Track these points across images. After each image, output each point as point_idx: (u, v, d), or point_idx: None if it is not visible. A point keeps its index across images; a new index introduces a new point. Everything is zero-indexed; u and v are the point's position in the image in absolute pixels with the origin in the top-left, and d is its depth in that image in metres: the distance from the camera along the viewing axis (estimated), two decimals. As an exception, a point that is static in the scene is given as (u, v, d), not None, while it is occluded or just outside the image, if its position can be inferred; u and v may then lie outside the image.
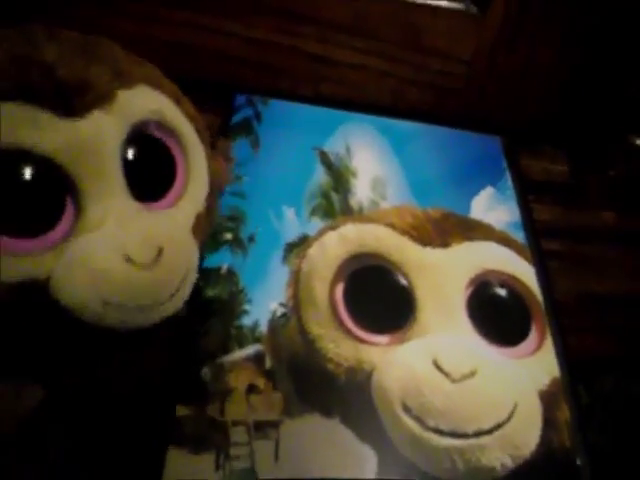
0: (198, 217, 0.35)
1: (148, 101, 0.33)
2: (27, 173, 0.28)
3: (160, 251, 0.30)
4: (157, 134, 0.33)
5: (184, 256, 0.32)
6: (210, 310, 0.39)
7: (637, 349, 0.55)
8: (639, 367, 0.55)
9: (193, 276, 0.33)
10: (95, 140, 0.29)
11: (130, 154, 0.32)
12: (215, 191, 0.39)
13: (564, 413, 0.39)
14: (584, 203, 0.57)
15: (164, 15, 0.52)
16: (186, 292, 0.33)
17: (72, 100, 0.29)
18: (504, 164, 0.52)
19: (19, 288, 0.28)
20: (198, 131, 0.36)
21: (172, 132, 0.34)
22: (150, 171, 0.33)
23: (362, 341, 0.39)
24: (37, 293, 0.29)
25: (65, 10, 0.51)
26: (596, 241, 0.57)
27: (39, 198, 0.29)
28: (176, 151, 0.34)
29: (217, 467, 0.33)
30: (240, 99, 0.51)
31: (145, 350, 0.35)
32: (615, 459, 0.44)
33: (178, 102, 0.35)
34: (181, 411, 0.35)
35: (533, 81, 0.56)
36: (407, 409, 0.37)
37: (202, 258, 0.41)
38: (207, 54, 0.53)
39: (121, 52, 0.34)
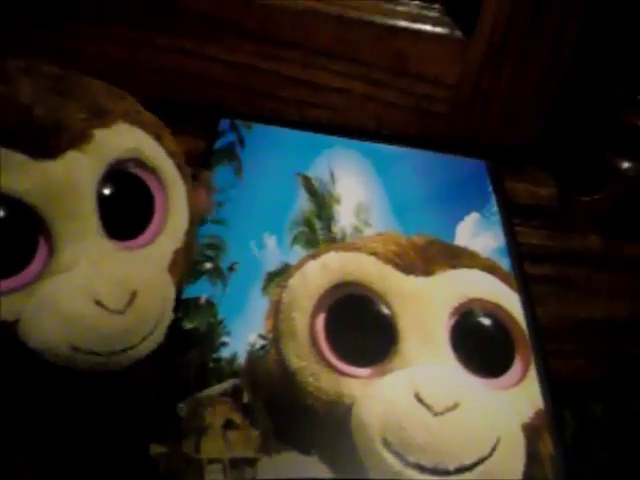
0: (176, 253, 0.35)
1: (126, 139, 0.32)
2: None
3: (133, 294, 0.30)
4: (135, 171, 0.33)
5: (158, 298, 0.32)
6: (188, 342, 0.38)
7: (623, 374, 0.55)
8: (626, 393, 0.55)
9: (168, 318, 0.33)
10: (68, 181, 0.29)
11: (106, 192, 0.31)
12: (195, 226, 0.38)
13: (547, 447, 0.39)
14: (570, 227, 0.57)
15: (146, 39, 0.51)
16: (160, 334, 0.33)
17: (47, 141, 0.29)
18: (489, 188, 0.52)
19: None
20: (179, 167, 0.36)
21: (151, 169, 0.34)
22: (127, 209, 0.33)
23: (343, 374, 0.39)
24: (5, 334, 0.28)
25: (49, 35, 0.51)
26: (582, 265, 0.57)
27: (10, 240, 0.28)
28: (155, 188, 0.34)
29: (192, 508, 0.32)
30: (224, 124, 0.51)
31: (118, 387, 0.35)
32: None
33: (158, 138, 0.35)
34: (155, 449, 0.34)
35: (519, 104, 0.56)
36: (387, 444, 0.36)
37: (181, 291, 0.40)
38: (190, 78, 0.53)
39: (101, 87, 0.34)
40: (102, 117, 0.32)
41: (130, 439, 0.34)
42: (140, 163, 0.33)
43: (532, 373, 0.42)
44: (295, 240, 0.45)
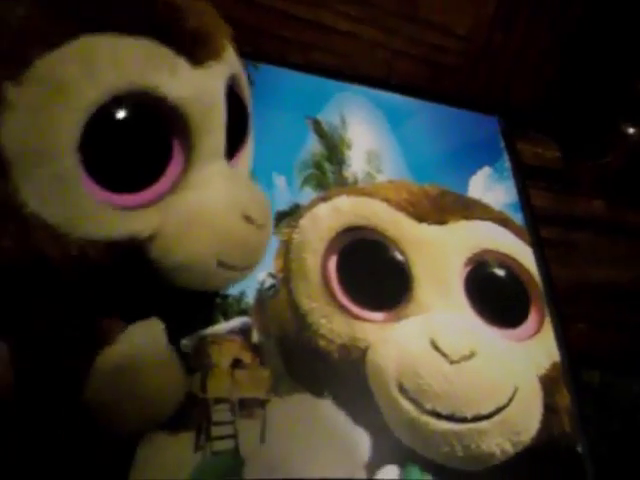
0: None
1: (235, 57, 0.32)
2: (145, 118, 0.26)
3: (267, 209, 0.31)
4: (236, 90, 0.32)
5: (270, 212, 0.32)
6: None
7: (624, 340, 0.55)
8: (623, 360, 0.54)
9: None
10: (217, 93, 0.28)
11: (227, 111, 0.30)
12: None
13: (564, 398, 0.37)
14: (575, 191, 0.56)
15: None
16: None
17: (201, 46, 0.27)
18: (501, 144, 0.51)
19: (116, 248, 0.26)
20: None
21: (242, 88, 0.33)
22: (235, 128, 0.31)
23: (356, 317, 0.37)
24: (133, 253, 0.26)
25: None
26: (586, 230, 0.56)
27: (149, 146, 0.26)
28: (248, 105, 0.34)
29: (197, 448, 0.30)
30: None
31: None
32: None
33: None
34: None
35: (528, 62, 0.55)
36: (403, 390, 0.34)
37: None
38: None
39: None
40: (226, 30, 0.31)
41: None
42: (237, 82, 0.32)
43: (547, 327, 0.40)
44: (305, 181, 0.43)
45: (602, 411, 0.54)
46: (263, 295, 0.36)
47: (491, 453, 0.34)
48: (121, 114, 0.24)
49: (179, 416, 0.30)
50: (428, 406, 0.34)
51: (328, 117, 0.47)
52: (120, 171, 0.25)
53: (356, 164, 0.45)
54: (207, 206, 0.27)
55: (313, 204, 0.41)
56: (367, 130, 0.48)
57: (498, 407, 0.35)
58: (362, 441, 0.33)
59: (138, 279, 0.27)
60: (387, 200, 0.43)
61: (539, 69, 0.56)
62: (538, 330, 0.40)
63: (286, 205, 0.41)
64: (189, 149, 0.27)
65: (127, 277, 0.27)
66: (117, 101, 0.24)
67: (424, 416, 0.34)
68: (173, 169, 0.27)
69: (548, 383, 0.37)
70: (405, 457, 0.33)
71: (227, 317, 0.34)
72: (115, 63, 0.24)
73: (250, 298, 0.36)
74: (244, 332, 0.34)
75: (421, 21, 0.51)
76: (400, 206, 0.43)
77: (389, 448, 0.33)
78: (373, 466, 0.32)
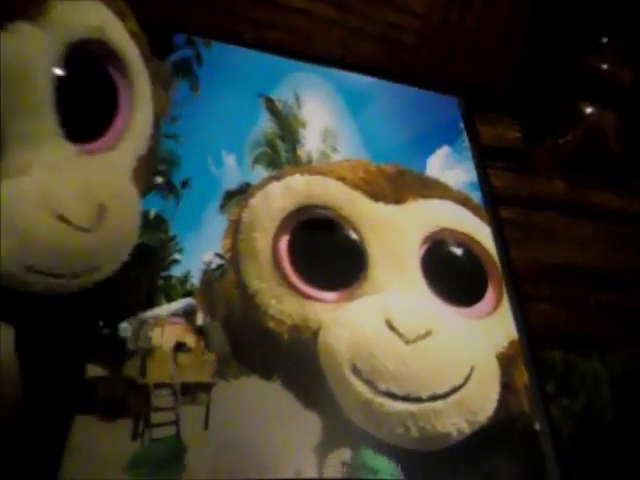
0: (139, 160, 0.30)
1: (89, 15, 0.26)
2: None
3: (102, 208, 0.25)
4: (98, 58, 0.28)
5: (131, 215, 0.28)
6: (134, 258, 0.33)
7: (585, 319, 0.55)
8: (584, 339, 0.54)
9: (136, 235, 0.29)
10: (19, 62, 0.23)
11: (64, 82, 0.25)
12: (157, 129, 0.34)
13: (522, 377, 0.37)
14: (535, 171, 0.56)
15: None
16: (127, 252, 0.29)
17: None
18: (461, 124, 0.50)
19: None
20: (144, 57, 0.31)
21: (116, 56, 0.28)
22: (89, 105, 0.28)
23: (308, 297, 0.35)
24: None
25: None
26: (545, 210, 0.56)
27: None
28: (119, 80, 0.28)
29: (134, 436, 0.28)
30: (179, 38, 0.46)
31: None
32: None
33: (122, 16, 0.29)
34: (92, 371, 0.29)
35: (486, 41, 0.54)
36: (357, 371, 0.33)
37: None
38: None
39: None
40: None
41: (65, 361, 0.29)
42: (104, 47, 0.27)
43: (505, 305, 0.40)
44: (256, 160, 0.41)
45: (565, 391, 0.54)
46: (209, 276, 0.34)
47: (447, 433, 0.33)
48: None
49: (115, 402, 0.29)
50: (383, 387, 0.33)
51: (282, 95, 0.46)
52: None
53: (311, 143, 0.44)
54: (10, 202, 0.23)
55: (265, 183, 0.40)
56: (323, 109, 0.46)
57: (454, 386, 0.34)
58: (312, 424, 0.31)
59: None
60: (342, 179, 0.41)
61: (498, 48, 0.56)
62: (495, 308, 0.39)
63: (236, 184, 0.39)
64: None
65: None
66: None
67: (378, 397, 0.33)
68: None
69: (506, 362, 0.37)
70: (358, 439, 0.31)
71: (170, 299, 0.33)
72: None
73: (195, 279, 0.34)
74: (188, 314, 0.32)
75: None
76: (356, 185, 0.41)
77: (341, 431, 0.32)
78: (324, 450, 0.31)
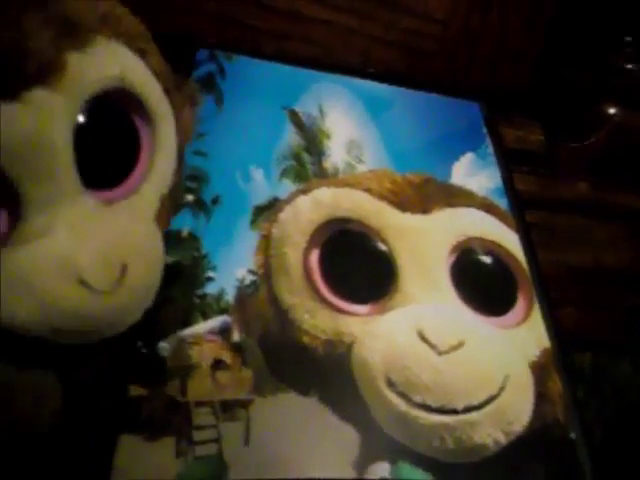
0: (164, 200, 0.29)
1: (107, 64, 0.25)
2: None
3: (124, 268, 0.25)
4: (119, 104, 0.27)
5: (152, 266, 0.27)
6: (170, 277, 0.34)
7: (612, 321, 0.54)
8: (613, 342, 0.54)
9: (158, 282, 0.29)
10: (39, 133, 0.22)
11: (85, 135, 0.24)
12: (182, 160, 0.33)
13: (556, 385, 0.37)
14: (558, 173, 0.56)
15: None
16: (150, 301, 0.28)
17: (6, 75, 0.21)
18: (484, 130, 0.50)
19: None
20: (167, 92, 0.30)
21: (136, 98, 0.27)
22: (110, 153, 0.27)
23: (340, 311, 0.36)
24: None
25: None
26: (570, 212, 0.55)
27: None
28: (141, 123, 0.28)
29: (178, 454, 0.28)
30: (202, 54, 0.46)
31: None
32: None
33: (143, 54, 0.28)
34: (135, 391, 0.30)
35: (507, 45, 0.54)
36: (391, 384, 0.33)
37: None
38: (166, 7, 0.48)
39: None
40: (77, 33, 0.24)
41: (106, 383, 0.29)
42: (124, 93, 0.27)
43: (536, 313, 0.40)
44: (284, 174, 0.41)
45: (594, 394, 0.54)
46: (243, 292, 0.35)
47: (483, 444, 0.33)
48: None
49: (158, 422, 0.29)
50: (417, 399, 0.33)
51: (305, 107, 0.46)
52: None
53: (336, 155, 0.44)
54: (34, 267, 0.23)
55: (293, 197, 0.40)
56: (346, 120, 0.47)
57: (489, 397, 0.34)
58: (350, 438, 0.32)
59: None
60: (369, 190, 0.42)
61: (519, 51, 0.55)
62: (526, 317, 0.39)
63: (264, 199, 0.39)
64: (18, 199, 0.23)
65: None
66: None
67: (414, 410, 0.33)
68: (1, 221, 0.23)
69: (539, 370, 0.37)
70: (395, 453, 0.32)
71: (206, 317, 0.33)
72: None
73: (230, 296, 0.35)
74: (224, 332, 0.33)
75: (397, 7, 0.50)
76: (382, 196, 0.41)
77: (378, 444, 0.32)
78: (362, 464, 0.31)
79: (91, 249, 0.24)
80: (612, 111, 0.56)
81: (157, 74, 0.29)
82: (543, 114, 0.57)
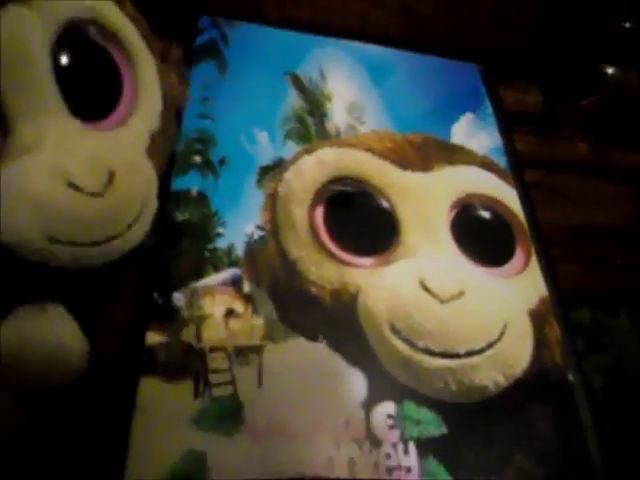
0: (153, 136, 0.31)
1: None
2: None
3: (111, 175, 0.26)
4: (95, 38, 0.28)
5: (140, 180, 0.28)
6: (181, 234, 0.35)
7: (611, 278, 0.56)
8: (611, 297, 0.55)
9: (153, 204, 0.30)
10: (16, 41, 0.24)
11: (63, 61, 0.26)
12: (170, 108, 0.35)
13: (554, 331, 0.38)
14: (558, 134, 0.56)
15: None
16: (146, 222, 0.29)
17: None
18: (483, 91, 0.51)
19: None
20: (146, 38, 0.32)
21: (114, 36, 0.29)
22: (91, 83, 0.28)
23: (345, 263, 0.37)
24: None
25: None
26: (569, 172, 0.56)
27: None
28: (120, 59, 0.29)
29: (196, 395, 0.30)
30: (204, 21, 0.47)
31: (108, 287, 0.32)
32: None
33: (119, 2, 0.30)
34: (153, 338, 0.31)
35: (504, 8, 0.55)
36: (396, 331, 0.35)
37: (168, 182, 0.37)
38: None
39: None
40: None
41: (126, 329, 0.31)
42: (100, 28, 0.28)
43: (533, 263, 0.41)
44: (288, 135, 0.42)
45: (593, 347, 0.55)
46: (252, 246, 0.36)
47: (484, 386, 0.34)
48: None
49: (176, 365, 0.31)
50: (421, 344, 0.35)
51: (307, 71, 0.47)
52: None
53: (338, 116, 0.45)
54: (25, 175, 0.24)
55: (297, 157, 0.41)
56: (347, 82, 0.47)
57: (489, 342, 0.36)
58: (357, 381, 0.33)
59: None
60: (371, 150, 0.43)
61: (516, 13, 0.56)
62: (525, 267, 0.41)
63: (270, 160, 0.41)
64: (3, 113, 0.25)
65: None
66: None
67: (417, 354, 0.34)
68: None
69: (537, 317, 0.38)
70: (400, 394, 0.33)
71: (217, 269, 0.35)
72: None
73: (239, 251, 0.36)
74: (235, 283, 0.35)
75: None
76: (384, 155, 0.43)
77: (384, 386, 0.33)
78: (370, 404, 0.33)
79: (80, 157, 0.26)
80: (610, 71, 0.56)
81: (133, 19, 0.31)
82: (541, 75, 0.58)
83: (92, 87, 0.29)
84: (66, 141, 0.26)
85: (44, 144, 0.25)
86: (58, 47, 0.26)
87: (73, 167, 0.25)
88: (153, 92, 0.32)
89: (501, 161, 0.46)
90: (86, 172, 0.26)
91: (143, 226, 0.29)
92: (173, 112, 0.36)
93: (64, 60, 0.27)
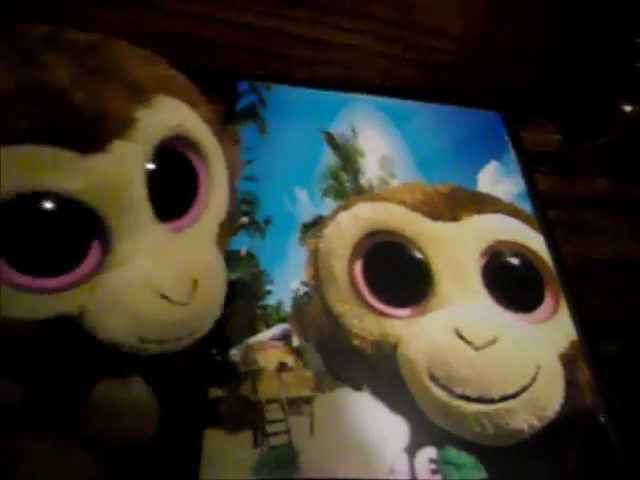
0: (222, 226, 0.34)
1: (168, 116, 0.31)
2: (53, 213, 0.26)
3: (195, 283, 0.29)
4: (178, 148, 0.32)
5: (218, 281, 0.32)
6: (233, 293, 0.39)
7: (635, 311, 0.57)
8: (636, 327, 0.56)
9: (224, 295, 0.33)
10: (121, 175, 0.28)
11: (154, 176, 0.30)
12: (234, 192, 0.38)
13: (584, 374, 0.40)
14: (577, 171, 0.59)
15: (153, 3, 0.51)
16: (220, 313, 0.32)
17: (93, 133, 0.27)
18: (505, 137, 0.53)
19: (49, 324, 0.27)
20: (216, 134, 0.35)
21: (193, 143, 0.32)
22: (174, 189, 0.32)
23: (385, 315, 0.40)
24: (69, 327, 0.27)
25: (49, 2, 0.50)
26: (590, 208, 0.58)
27: (64, 236, 0.28)
28: (197, 162, 0.33)
29: (255, 444, 0.33)
30: (243, 85, 0.51)
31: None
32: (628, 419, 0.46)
33: (193, 104, 0.34)
34: (214, 393, 0.35)
35: (522, 53, 0.57)
36: (434, 378, 0.37)
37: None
38: (204, 43, 0.53)
39: (130, 51, 0.32)
40: (143, 95, 0.30)
41: (190, 386, 0.34)
42: (182, 139, 0.32)
43: (563, 308, 0.43)
44: (325, 193, 0.46)
45: (621, 380, 0.57)
46: (299, 302, 0.39)
47: (520, 429, 0.37)
48: (28, 210, 0.26)
49: (236, 417, 0.34)
50: (458, 391, 0.37)
51: (339, 128, 0.50)
52: (37, 259, 0.27)
53: (370, 171, 0.48)
54: (123, 286, 0.28)
55: (335, 214, 0.44)
56: (377, 137, 0.51)
57: (523, 386, 0.38)
58: (400, 427, 0.36)
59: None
60: (403, 203, 0.46)
61: (533, 55, 0.58)
62: (554, 312, 0.43)
63: (310, 217, 0.44)
64: (105, 232, 0.28)
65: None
66: (23, 199, 0.26)
67: (455, 400, 0.37)
68: (94, 252, 0.28)
69: (568, 361, 0.40)
70: (441, 438, 0.36)
71: (269, 326, 0.38)
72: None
73: (287, 306, 0.39)
74: (285, 338, 0.38)
75: (415, 26, 0.54)
76: (415, 207, 0.46)
77: (425, 432, 0.36)
78: (413, 449, 0.35)
79: (167, 268, 0.29)
80: (627, 109, 0.59)
81: (207, 120, 0.34)
82: (559, 114, 0.60)
83: (176, 192, 0.32)
84: (156, 252, 0.29)
85: (138, 256, 0.29)
86: (151, 165, 0.30)
87: (164, 279, 0.29)
88: (222, 185, 0.35)
89: (526, 205, 0.49)
90: (174, 284, 0.29)
91: (218, 316, 0.32)
92: (234, 192, 0.38)
93: (155, 175, 0.30)
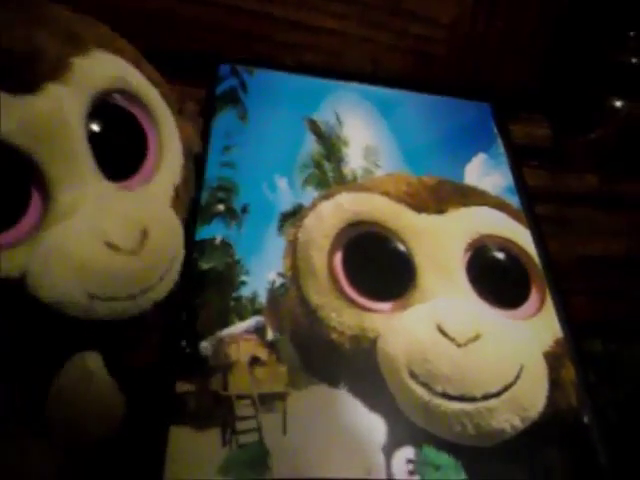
0: (176, 189, 0.33)
1: (108, 67, 0.30)
2: None
3: (145, 233, 0.28)
4: (123, 104, 0.31)
5: (171, 234, 0.30)
6: (206, 282, 0.37)
7: (621, 310, 0.56)
8: (624, 329, 0.56)
9: (181, 254, 0.31)
10: (55, 116, 0.27)
11: (96, 129, 0.29)
12: (189, 159, 0.37)
13: (569, 373, 0.39)
14: (567, 167, 0.58)
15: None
16: (175, 272, 0.31)
17: (23, 74, 0.26)
18: (494, 130, 0.52)
19: None
20: (164, 96, 0.34)
21: (138, 100, 0.31)
22: (120, 147, 0.31)
23: (364, 309, 0.38)
24: (11, 291, 0.26)
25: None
26: (579, 204, 0.57)
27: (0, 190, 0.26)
28: (145, 121, 0.32)
29: (224, 443, 0.32)
30: (224, 69, 0.49)
31: (136, 333, 0.33)
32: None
33: (139, 66, 0.33)
34: (182, 387, 0.33)
35: (514, 45, 0.56)
36: (414, 375, 0.36)
37: (193, 231, 0.39)
38: (185, 24, 0.51)
39: (69, 14, 0.31)
40: (78, 44, 0.29)
41: (156, 380, 0.33)
42: (126, 94, 0.31)
43: (549, 304, 0.42)
44: (306, 181, 0.44)
45: (606, 379, 0.56)
46: (274, 294, 0.38)
47: (501, 429, 0.35)
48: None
49: (204, 414, 0.32)
50: (438, 389, 0.36)
51: (324, 116, 0.49)
52: None
53: (354, 161, 0.47)
54: (67, 238, 0.26)
55: (315, 203, 0.43)
56: (362, 126, 0.49)
57: (506, 385, 0.37)
58: (378, 426, 0.34)
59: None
60: (387, 193, 0.44)
61: (525, 49, 0.57)
62: (540, 309, 0.42)
63: (290, 206, 0.42)
64: (44, 182, 0.27)
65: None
66: None
67: (435, 399, 0.35)
68: (34, 206, 0.27)
69: (553, 359, 0.39)
70: (420, 438, 0.34)
71: (242, 318, 0.36)
72: None
73: (262, 298, 0.37)
74: (259, 331, 0.36)
75: (405, 14, 0.53)
76: (399, 198, 0.44)
77: (404, 431, 0.35)
78: (390, 449, 0.34)
79: (115, 217, 0.28)
80: (618, 104, 0.58)
81: (154, 82, 0.34)
82: (550, 109, 0.59)
83: (122, 149, 0.31)
84: (102, 204, 0.28)
85: (82, 208, 0.27)
86: (91, 116, 0.29)
87: (110, 228, 0.27)
88: (174, 148, 0.34)
89: (513, 199, 0.48)
90: (122, 232, 0.28)
91: (173, 276, 0.31)
92: (192, 163, 0.38)
93: (96, 128, 0.29)
